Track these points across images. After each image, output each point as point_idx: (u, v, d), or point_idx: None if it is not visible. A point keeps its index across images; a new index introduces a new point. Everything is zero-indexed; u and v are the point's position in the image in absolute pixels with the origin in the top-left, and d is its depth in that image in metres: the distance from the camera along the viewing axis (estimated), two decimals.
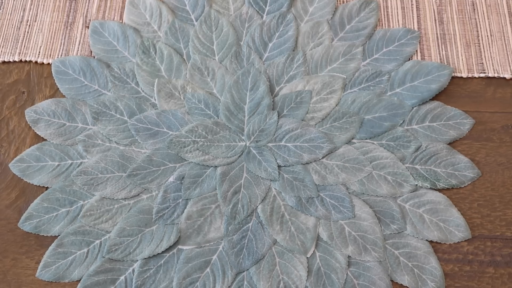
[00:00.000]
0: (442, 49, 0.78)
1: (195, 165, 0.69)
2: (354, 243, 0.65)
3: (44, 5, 0.81)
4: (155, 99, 0.73)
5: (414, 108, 0.72)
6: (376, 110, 0.72)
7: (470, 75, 0.76)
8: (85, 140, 0.70)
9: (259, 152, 0.70)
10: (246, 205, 0.67)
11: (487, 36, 0.79)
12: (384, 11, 0.80)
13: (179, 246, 0.66)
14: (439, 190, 0.69)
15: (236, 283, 0.64)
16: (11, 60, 0.77)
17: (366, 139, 0.71)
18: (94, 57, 0.76)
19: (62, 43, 0.79)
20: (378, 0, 0.81)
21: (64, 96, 0.74)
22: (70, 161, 0.70)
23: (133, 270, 0.64)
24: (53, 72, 0.75)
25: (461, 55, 0.78)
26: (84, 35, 0.79)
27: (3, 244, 0.67)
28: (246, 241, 0.65)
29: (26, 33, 0.79)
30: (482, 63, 0.77)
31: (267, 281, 0.64)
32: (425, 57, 0.77)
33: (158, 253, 0.65)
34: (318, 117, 0.72)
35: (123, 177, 0.68)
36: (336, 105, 0.73)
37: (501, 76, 0.76)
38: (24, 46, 0.78)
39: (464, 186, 0.69)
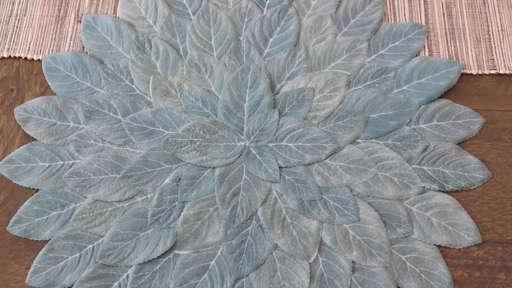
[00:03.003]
0: (451, 45, 0.78)
1: (192, 166, 0.69)
2: (359, 248, 0.65)
3: None
4: (150, 97, 0.73)
5: (422, 107, 0.72)
6: (381, 108, 0.72)
7: (480, 72, 0.76)
8: (77, 140, 0.70)
9: (259, 152, 0.70)
10: (245, 208, 0.67)
11: (498, 31, 0.79)
12: (390, 5, 0.80)
13: (176, 251, 0.65)
14: (448, 192, 0.69)
15: None
16: None
17: (371, 139, 0.71)
18: (87, 53, 0.76)
19: (53, 38, 0.79)
20: None
21: (55, 94, 0.74)
22: (61, 162, 0.70)
23: (128, 276, 0.64)
24: (43, 69, 0.75)
25: (471, 51, 0.78)
26: (76, 30, 0.79)
27: None
28: (245, 245, 0.65)
29: (15, 27, 0.79)
30: (493, 59, 0.77)
31: None
32: (433, 53, 0.77)
33: (154, 258, 0.65)
34: (321, 116, 0.72)
35: (116, 179, 0.68)
36: (340, 103, 0.73)
37: None
38: (13, 41, 0.78)
39: (474, 188, 0.69)
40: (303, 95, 0.72)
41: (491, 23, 0.79)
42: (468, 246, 0.66)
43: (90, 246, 0.66)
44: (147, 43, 0.75)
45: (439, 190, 0.69)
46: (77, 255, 0.65)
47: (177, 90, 0.73)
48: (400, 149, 0.70)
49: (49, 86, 0.74)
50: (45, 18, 0.80)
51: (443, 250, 0.66)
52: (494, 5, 0.80)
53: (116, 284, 0.64)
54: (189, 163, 0.69)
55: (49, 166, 0.69)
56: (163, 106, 0.72)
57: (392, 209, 0.67)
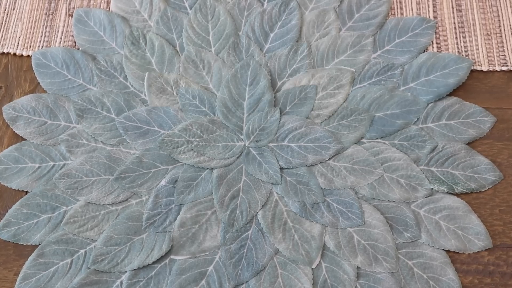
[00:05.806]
0: (460, 40, 0.78)
1: (189, 167, 0.69)
2: (364, 253, 0.65)
3: None
4: (145, 95, 0.73)
5: (430, 105, 0.72)
6: (388, 106, 0.72)
7: (491, 69, 0.76)
8: (68, 140, 0.70)
9: (260, 153, 0.70)
10: (245, 211, 0.67)
11: (510, 25, 0.79)
12: None
13: (172, 256, 0.65)
14: (457, 195, 0.69)
15: None
16: None
17: (377, 138, 0.71)
18: (79, 48, 0.76)
19: (43, 33, 0.78)
20: None
21: (45, 92, 0.74)
22: (52, 163, 0.70)
23: (121, 283, 0.64)
24: (33, 65, 0.75)
25: (481, 47, 0.77)
26: (68, 24, 0.79)
27: None
28: (245, 250, 0.65)
29: (3, 22, 0.79)
30: (504, 55, 0.77)
31: None
32: (442, 49, 0.77)
33: (149, 264, 0.65)
34: (324, 114, 0.71)
35: (110, 181, 0.68)
36: (344, 101, 0.72)
37: None
38: (2, 36, 0.78)
39: (485, 190, 0.69)
40: (306, 93, 0.72)
41: (502, 17, 0.79)
42: (478, 251, 0.66)
43: (82, 251, 0.66)
44: (141, 38, 0.75)
45: (448, 192, 0.68)
46: (69, 260, 0.65)
47: (173, 88, 0.73)
48: (407, 149, 0.70)
49: (39, 83, 0.74)
50: (35, 12, 0.80)
51: (452, 255, 0.66)
52: None
53: None
54: (186, 164, 0.69)
55: (39, 167, 0.69)
56: (159, 104, 0.72)
57: (398, 212, 0.67)
